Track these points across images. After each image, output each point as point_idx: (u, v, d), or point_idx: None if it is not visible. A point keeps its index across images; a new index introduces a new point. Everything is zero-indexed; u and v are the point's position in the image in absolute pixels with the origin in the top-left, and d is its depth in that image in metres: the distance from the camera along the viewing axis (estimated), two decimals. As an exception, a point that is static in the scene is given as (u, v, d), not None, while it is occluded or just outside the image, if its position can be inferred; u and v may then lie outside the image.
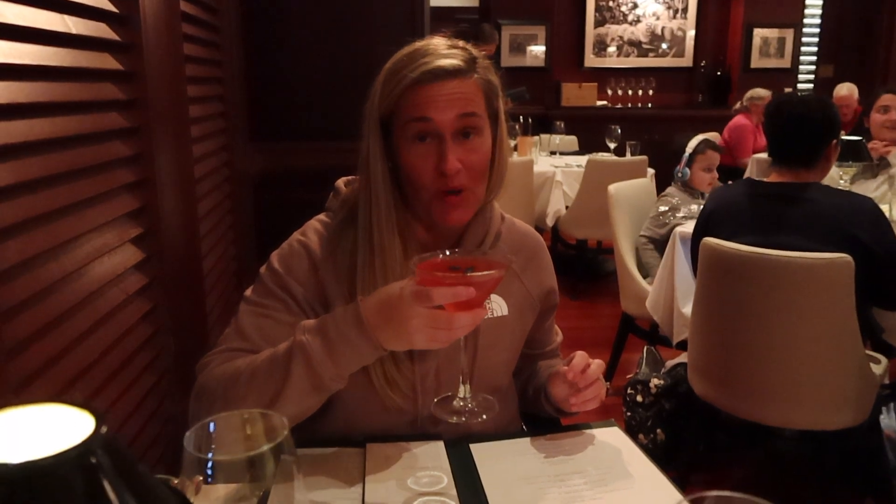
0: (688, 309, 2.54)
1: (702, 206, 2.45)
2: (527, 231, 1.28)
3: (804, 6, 7.21)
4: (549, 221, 4.49)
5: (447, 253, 0.98)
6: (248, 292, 1.12)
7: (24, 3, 0.90)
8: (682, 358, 2.56)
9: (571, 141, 5.74)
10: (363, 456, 1.04)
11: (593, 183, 4.10)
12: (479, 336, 1.14)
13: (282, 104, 2.24)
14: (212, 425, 0.63)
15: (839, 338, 1.93)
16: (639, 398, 2.58)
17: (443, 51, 1.05)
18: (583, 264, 4.80)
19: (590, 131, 5.80)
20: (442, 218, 1.08)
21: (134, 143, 1.29)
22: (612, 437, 1.10)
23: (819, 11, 7.57)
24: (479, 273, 0.87)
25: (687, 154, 3.13)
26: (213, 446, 0.61)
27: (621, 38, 7.15)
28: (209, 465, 0.57)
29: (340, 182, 1.21)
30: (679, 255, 2.69)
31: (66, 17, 0.98)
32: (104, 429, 0.42)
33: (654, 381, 2.55)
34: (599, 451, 1.07)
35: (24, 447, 0.39)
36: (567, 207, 4.50)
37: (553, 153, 5.23)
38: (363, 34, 2.21)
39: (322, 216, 1.18)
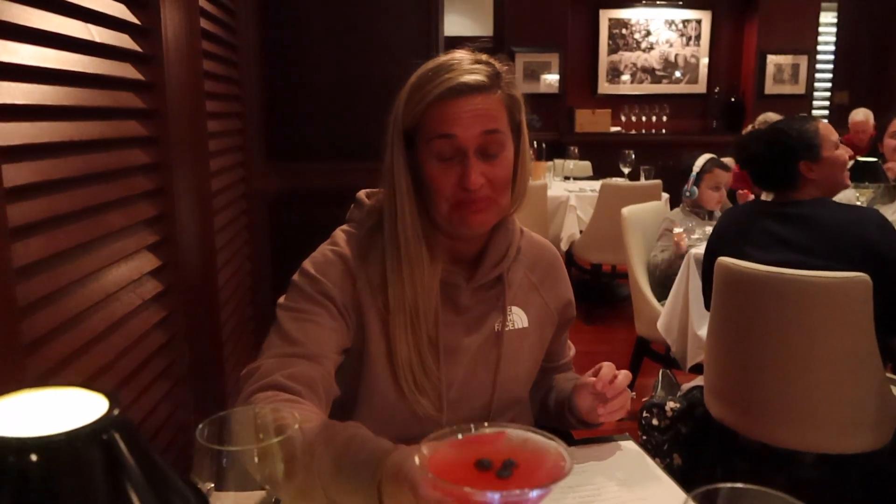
0: (703, 331, 2.51)
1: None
2: (544, 244, 1.29)
3: (818, 33, 7.22)
4: (564, 246, 4.49)
5: (472, 430, 0.66)
6: (283, 300, 1.10)
7: (52, 12, 0.92)
8: (699, 381, 2.53)
9: (585, 166, 5.76)
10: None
11: (607, 207, 4.09)
12: (501, 348, 1.15)
13: (298, 124, 2.27)
14: (225, 421, 0.63)
15: (857, 358, 1.90)
16: (654, 421, 2.54)
17: (466, 66, 1.06)
18: (597, 289, 4.78)
19: (604, 157, 5.82)
20: (463, 223, 1.07)
21: (153, 153, 1.31)
22: (626, 450, 1.09)
23: (833, 38, 7.60)
24: (518, 491, 0.57)
25: (694, 173, 3.12)
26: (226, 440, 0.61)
27: (635, 65, 7.19)
28: (222, 457, 0.57)
29: (362, 194, 1.22)
30: (693, 277, 2.68)
31: (90, 26, 1.01)
32: (117, 410, 0.42)
33: (670, 405, 2.51)
34: (613, 462, 1.05)
35: (41, 425, 0.39)
36: (581, 232, 4.49)
37: (567, 178, 5.25)
38: (378, 57, 2.24)
39: (347, 227, 1.18)
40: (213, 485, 0.62)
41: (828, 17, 7.53)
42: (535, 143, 4.94)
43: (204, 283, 1.52)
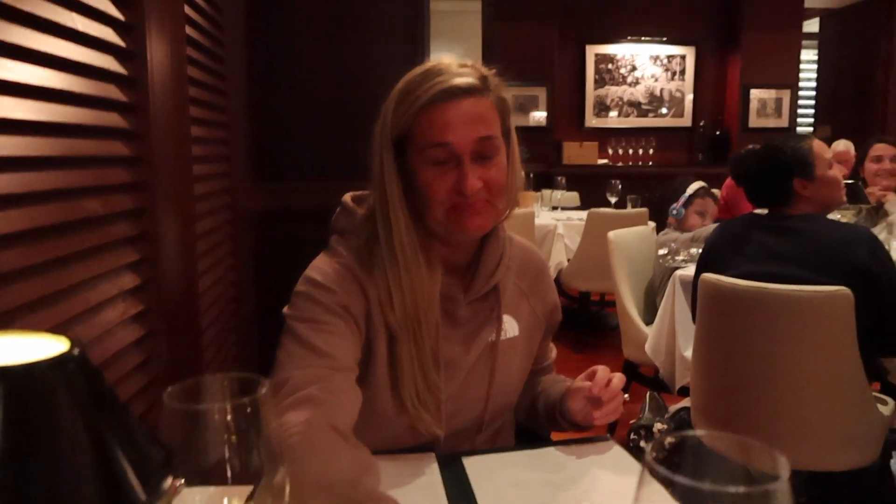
0: (689, 353, 2.52)
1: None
2: (530, 250, 1.29)
3: (799, 69, 7.38)
4: (552, 274, 4.49)
5: None
6: (293, 311, 1.06)
7: (37, 30, 0.94)
8: (686, 402, 2.52)
9: (573, 197, 5.81)
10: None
11: (595, 235, 4.12)
12: (496, 360, 1.15)
13: (284, 143, 2.29)
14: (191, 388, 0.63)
15: (841, 373, 1.91)
16: (642, 444, 2.53)
17: (455, 69, 1.05)
18: (586, 318, 4.78)
19: (591, 188, 5.87)
20: (460, 226, 1.05)
21: (134, 172, 1.32)
22: (607, 449, 1.09)
23: (814, 74, 7.77)
24: None
25: (686, 195, 3.18)
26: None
27: (621, 98, 7.31)
28: (190, 416, 0.56)
29: (348, 198, 1.18)
30: (679, 299, 2.69)
31: (75, 15, 1.02)
32: (77, 350, 0.43)
33: (658, 426, 2.51)
34: (595, 461, 1.05)
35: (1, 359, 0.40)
36: (569, 260, 4.51)
37: (555, 208, 5.29)
38: (363, 77, 2.28)
39: (339, 238, 1.14)
40: (183, 480, 0.61)
41: (809, 55, 7.71)
42: (521, 173, 4.98)
43: (185, 304, 1.51)
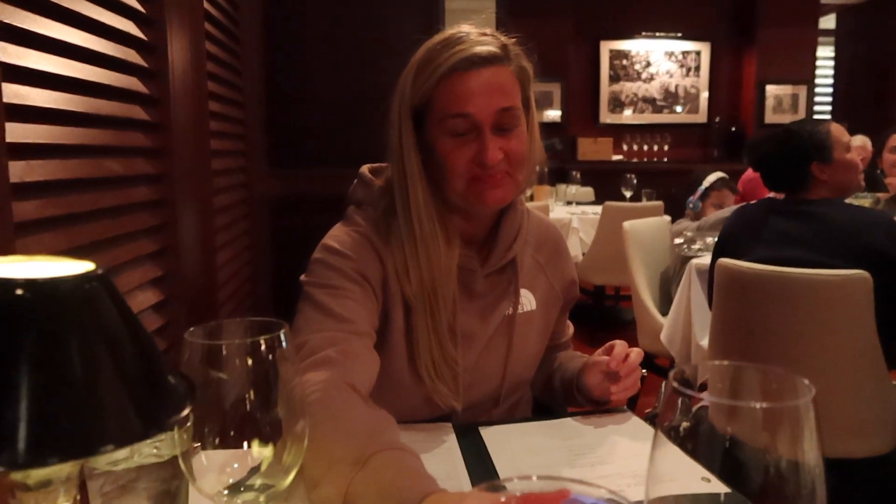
0: (705, 342, 2.50)
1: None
2: (547, 224, 1.28)
3: (815, 64, 7.32)
4: (566, 266, 4.48)
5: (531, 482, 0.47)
6: (310, 278, 1.06)
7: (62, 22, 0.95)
8: (705, 401, 2.50)
9: (587, 192, 5.79)
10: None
11: (610, 228, 4.10)
12: (513, 333, 1.15)
13: (299, 131, 2.30)
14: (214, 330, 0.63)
15: (860, 358, 1.89)
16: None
17: (476, 38, 1.02)
18: (601, 312, 4.76)
19: (606, 184, 5.85)
20: (479, 198, 1.04)
21: (156, 163, 1.33)
22: (624, 420, 1.08)
23: (831, 71, 7.70)
24: None
25: (703, 188, 3.14)
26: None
27: (636, 94, 7.28)
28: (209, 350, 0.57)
29: (366, 170, 1.17)
30: (695, 288, 2.67)
31: (100, 9, 1.04)
32: (101, 270, 0.43)
33: (684, 425, 2.49)
34: (612, 430, 1.05)
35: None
36: (583, 254, 4.49)
37: (569, 203, 5.27)
38: (378, 65, 2.28)
39: (356, 209, 1.14)
40: (198, 444, 0.61)
41: (826, 52, 7.64)
42: (537, 167, 4.98)
43: (203, 293, 1.52)
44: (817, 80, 7.43)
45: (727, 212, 2.90)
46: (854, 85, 7.38)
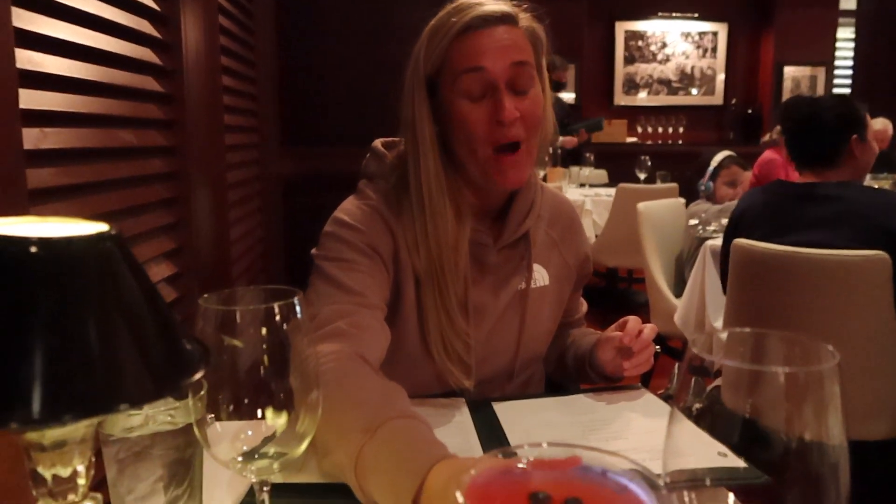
0: (719, 323, 2.48)
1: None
2: (561, 199, 1.27)
3: (834, 46, 7.20)
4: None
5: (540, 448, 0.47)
6: (321, 251, 1.06)
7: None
8: (718, 381, 2.49)
9: (601, 174, 5.74)
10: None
11: (623, 210, 4.07)
12: (526, 307, 1.14)
13: (312, 110, 2.29)
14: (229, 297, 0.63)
15: (877, 340, 1.87)
16: (670, 414, 2.51)
17: (487, 1, 1.03)
18: (613, 295, 4.74)
19: (620, 167, 5.80)
20: (501, 179, 1.04)
21: (170, 135, 1.33)
22: (638, 396, 1.08)
23: (851, 53, 7.57)
24: None
25: (711, 168, 3.11)
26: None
27: (651, 76, 7.20)
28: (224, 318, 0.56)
29: (378, 143, 1.17)
30: (710, 270, 2.65)
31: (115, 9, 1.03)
32: (115, 231, 0.43)
33: (696, 406, 2.48)
34: (626, 406, 1.04)
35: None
36: (596, 236, 4.47)
37: (582, 185, 5.24)
38: (392, 41, 2.26)
39: (368, 183, 1.13)
40: (213, 415, 0.61)
41: (846, 33, 7.51)
42: (550, 149, 4.94)
43: (216, 267, 1.53)
44: (837, 62, 7.31)
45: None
46: (874, 66, 7.26)
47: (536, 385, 1.26)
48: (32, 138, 0.78)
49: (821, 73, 7.14)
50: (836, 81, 7.35)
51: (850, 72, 7.62)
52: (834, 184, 2.03)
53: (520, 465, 0.51)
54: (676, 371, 2.82)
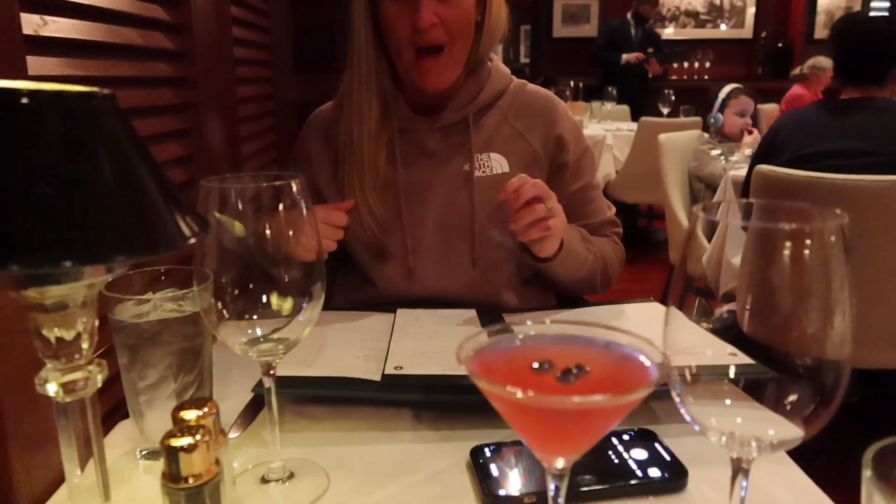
0: (737, 259, 2.46)
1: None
2: (540, 93, 1.24)
3: (873, -25, 6.91)
4: (600, 185, 4.42)
5: (527, 331, 0.52)
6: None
7: None
8: (731, 306, 2.49)
9: (623, 110, 5.64)
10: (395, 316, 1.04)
11: (645, 144, 4.00)
12: (473, 191, 1.14)
13: (326, 33, 2.26)
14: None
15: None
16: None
17: None
18: (633, 232, 4.71)
19: (642, 103, 5.69)
20: (420, 81, 1.08)
21: (178, 67, 1.31)
22: (651, 309, 1.07)
23: (889, -18, 7.25)
24: (596, 399, 0.40)
25: (719, 100, 3.10)
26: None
27: (678, 8, 6.97)
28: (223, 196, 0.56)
29: None
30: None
31: None
32: (109, 91, 0.42)
33: (704, 326, 2.49)
34: (636, 316, 1.04)
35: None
36: (616, 172, 4.42)
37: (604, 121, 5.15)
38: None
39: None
40: (220, 302, 0.61)
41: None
42: (571, 83, 4.85)
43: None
44: (873, -6, 7.03)
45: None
46: (913, -3, 6.96)
47: (538, 297, 1.22)
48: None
49: (857, 4, 6.86)
50: (872, 14, 7.07)
51: (886, 3, 7.31)
52: (875, 98, 2.05)
53: (522, 337, 0.52)
54: (696, 304, 2.81)
